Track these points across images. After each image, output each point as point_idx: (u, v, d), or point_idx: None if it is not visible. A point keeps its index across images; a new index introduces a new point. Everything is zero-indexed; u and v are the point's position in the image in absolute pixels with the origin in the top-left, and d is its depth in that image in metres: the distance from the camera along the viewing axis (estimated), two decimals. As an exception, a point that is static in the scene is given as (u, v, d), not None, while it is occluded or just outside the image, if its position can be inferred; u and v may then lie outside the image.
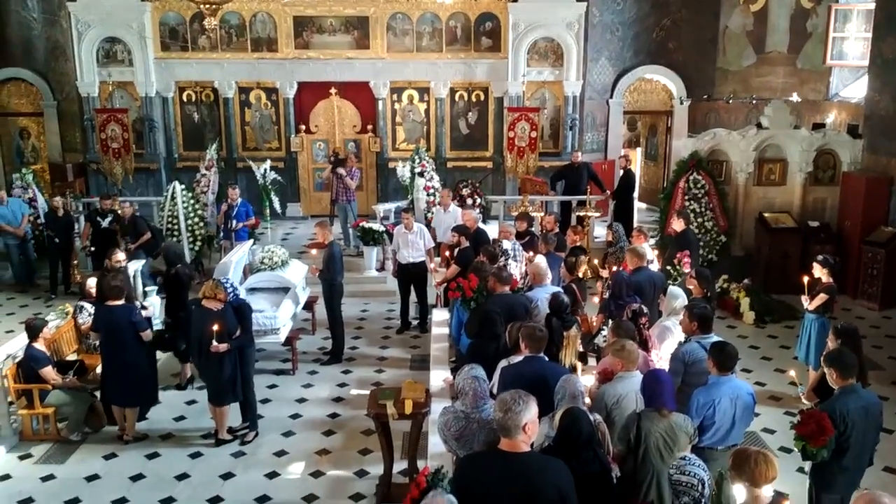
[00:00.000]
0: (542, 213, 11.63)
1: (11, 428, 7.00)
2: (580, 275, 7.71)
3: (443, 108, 14.51)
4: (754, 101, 14.21)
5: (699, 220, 11.01)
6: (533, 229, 9.77)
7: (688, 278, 7.32)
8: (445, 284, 8.53)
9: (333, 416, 7.56)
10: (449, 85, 14.41)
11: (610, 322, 6.16)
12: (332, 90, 14.30)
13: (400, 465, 6.23)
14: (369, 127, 14.57)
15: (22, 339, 7.14)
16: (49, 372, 6.96)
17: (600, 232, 12.17)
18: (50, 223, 11.32)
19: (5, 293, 11.55)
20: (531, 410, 3.59)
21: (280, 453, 6.83)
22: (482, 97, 14.59)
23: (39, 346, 7.02)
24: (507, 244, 8.27)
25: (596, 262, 9.17)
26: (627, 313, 6.14)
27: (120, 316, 6.81)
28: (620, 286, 6.96)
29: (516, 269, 7.92)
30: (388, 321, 10.28)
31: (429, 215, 11.81)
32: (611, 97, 14.99)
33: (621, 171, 13.25)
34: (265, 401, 7.70)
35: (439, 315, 8.63)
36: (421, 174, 12.29)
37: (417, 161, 12.42)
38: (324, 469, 6.57)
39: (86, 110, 14.14)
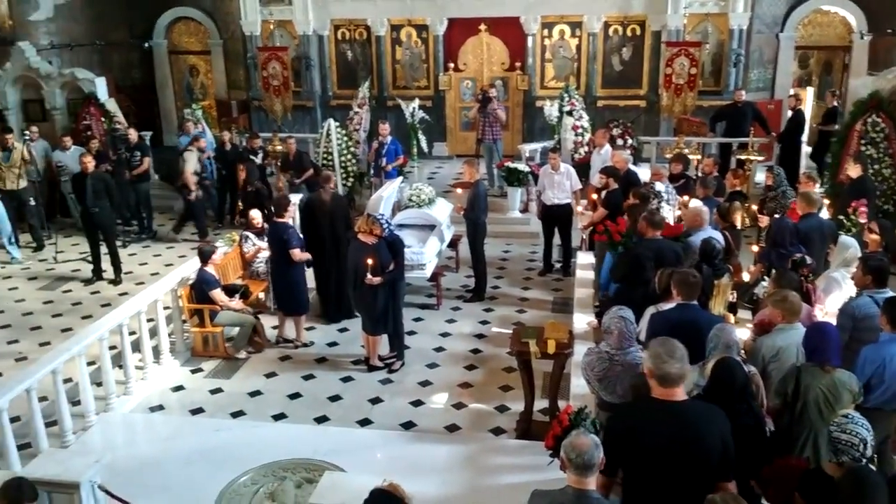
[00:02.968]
0: (700, 156, 11.06)
1: (185, 344, 7.70)
2: (736, 222, 7.30)
3: (595, 44, 13.98)
4: (948, 36, 12.62)
5: (876, 166, 10.02)
6: (688, 172, 9.31)
7: (866, 230, 6.72)
8: (591, 227, 8.38)
9: (475, 351, 7.72)
10: (603, 19, 13.83)
11: (773, 272, 5.82)
12: (482, 26, 14.15)
13: (540, 404, 6.29)
14: (517, 64, 14.32)
15: (194, 263, 7.76)
16: (218, 294, 7.55)
17: (762, 177, 11.43)
18: (218, 156, 12.03)
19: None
20: (687, 358, 3.51)
21: (424, 383, 7.09)
22: (638, 31, 13.90)
23: (210, 269, 7.61)
24: (659, 186, 7.94)
25: (754, 208, 8.64)
26: (790, 263, 5.76)
27: (278, 231, 7.57)
28: (784, 234, 6.53)
29: (669, 213, 7.60)
30: (531, 263, 10.26)
31: (576, 156, 11.55)
32: (781, 31, 13.82)
33: (790, 112, 12.28)
34: (411, 333, 7.96)
35: (584, 258, 8.51)
36: (569, 113, 11.98)
37: (566, 99, 12.11)
38: (465, 402, 6.75)
39: (249, 49, 14.85)
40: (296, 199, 10.35)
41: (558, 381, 6.08)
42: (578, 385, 5.41)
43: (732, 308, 6.17)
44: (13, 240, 10.69)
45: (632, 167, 9.29)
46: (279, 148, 11.83)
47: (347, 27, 14.82)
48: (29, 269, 10.40)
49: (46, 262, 10.58)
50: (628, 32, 13.96)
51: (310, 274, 8.10)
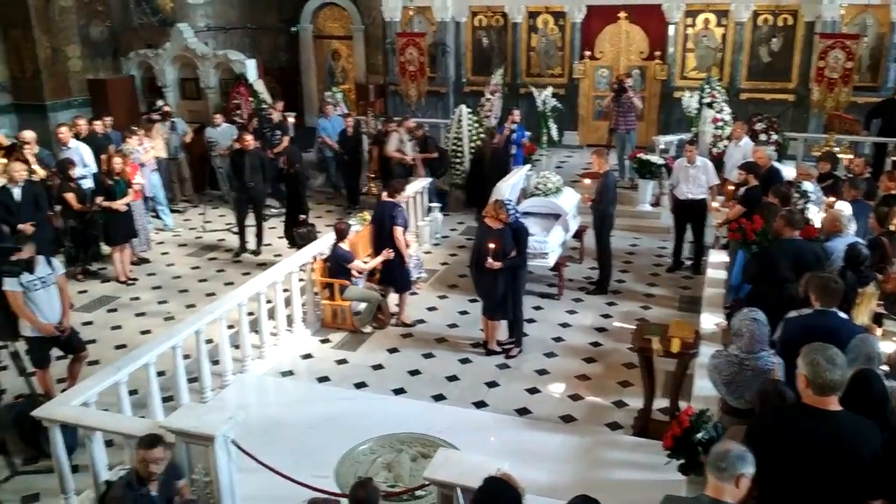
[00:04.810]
0: (851, 155, 10.34)
1: (315, 315, 8.07)
2: (892, 227, 6.77)
3: (742, 34, 13.32)
4: None
5: None
6: (837, 172, 8.72)
7: None
8: (727, 225, 8.04)
9: (595, 344, 7.63)
10: (752, 7, 13.14)
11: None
12: (621, 14, 13.82)
13: (659, 403, 6.16)
14: (657, 53, 13.89)
15: (328, 239, 8.11)
16: (357, 264, 7.92)
17: (921, 181, 10.54)
18: (341, 141, 12.32)
19: (314, 199, 13.10)
20: (846, 365, 3.35)
21: (541, 371, 7.09)
22: (790, 21, 13.13)
23: (344, 246, 7.94)
24: (808, 186, 7.49)
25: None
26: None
27: (384, 209, 7.87)
28: (943, 243, 6.01)
29: (817, 216, 7.16)
30: (659, 258, 9.99)
31: (715, 150, 11.09)
32: (950, 23, 12.63)
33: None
34: (530, 321, 7.97)
35: (716, 257, 8.18)
36: (710, 105, 11.49)
37: (707, 91, 11.63)
38: (582, 394, 6.69)
39: (388, 34, 15.22)
40: (423, 182, 10.66)
41: (680, 382, 5.91)
42: (702, 387, 5.23)
43: (878, 319, 5.76)
44: (166, 208, 11.56)
45: (775, 164, 8.81)
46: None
47: (485, 14, 14.89)
48: (180, 236, 11.23)
49: (195, 231, 11.39)
50: (779, 22, 13.21)
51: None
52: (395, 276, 8.05)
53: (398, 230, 7.85)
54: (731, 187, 8.56)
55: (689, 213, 9.19)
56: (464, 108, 12.08)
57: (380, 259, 7.90)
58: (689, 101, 12.04)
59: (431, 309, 8.51)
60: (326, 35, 17.31)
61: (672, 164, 9.96)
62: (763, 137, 11.27)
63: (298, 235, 9.63)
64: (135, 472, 4.07)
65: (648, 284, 9.16)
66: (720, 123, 11.38)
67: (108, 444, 5.12)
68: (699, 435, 4.21)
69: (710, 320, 6.58)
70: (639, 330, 6.23)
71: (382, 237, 7.92)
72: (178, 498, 4.11)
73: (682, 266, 9.52)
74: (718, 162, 10.17)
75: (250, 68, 13.53)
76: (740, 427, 3.98)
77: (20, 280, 5.88)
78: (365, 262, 8.03)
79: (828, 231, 6.42)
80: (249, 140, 10.13)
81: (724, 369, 4.36)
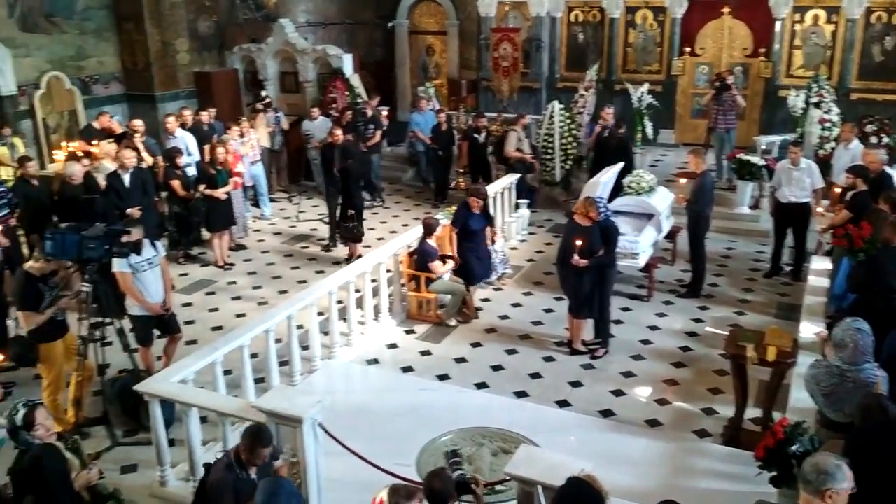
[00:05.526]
0: (971, 161, 9.65)
1: (402, 306, 8.19)
2: None
3: (854, 31, 12.60)
4: None
5: None
6: (956, 179, 8.16)
7: None
8: (832, 231, 7.66)
9: (685, 349, 7.42)
10: (865, 4, 12.42)
11: None
12: (725, 9, 13.35)
13: (751, 413, 5.94)
14: (761, 50, 13.34)
15: (417, 232, 8.21)
16: (436, 266, 7.95)
17: None
18: (434, 135, 12.38)
19: (405, 192, 13.30)
20: None
21: (627, 374, 6.95)
22: (907, 18, 12.37)
23: (431, 242, 8.02)
24: (920, 192, 7.05)
25: None
26: None
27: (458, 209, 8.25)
28: None
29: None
30: (756, 263, 9.62)
31: (821, 151, 10.57)
32: None
33: None
34: (618, 322, 7.82)
35: (819, 263, 7.80)
36: (817, 105, 10.96)
37: (815, 90, 11.09)
38: (669, 399, 6.53)
39: (482, 30, 15.20)
40: (512, 178, 10.61)
41: (775, 391, 5.69)
42: (798, 398, 5.01)
43: None
44: (266, 197, 11.94)
45: (887, 169, 8.32)
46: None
47: (581, 9, 14.67)
48: (275, 224, 11.60)
49: (290, 220, 11.74)
50: (894, 20, 12.44)
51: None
52: (466, 270, 8.19)
53: (451, 230, 8.14)
54: (838, 191, 8.15)
55: (791, 217, 8.82)
56: (556, 105, 11.94)
57: (450, 264, 8.06)
58: (795, 100, 11.51)
59: (516, 305, 8.48)
60: (422, 30, 17.47)
61: (773, 166, 9.58)
62: (874, 140, 10.64)
63: (345, 229, 9.80)
64: (235, 454, 4.09)
65: (744, 290, 8.83)
66: (827, 124, 10.85)
67: (203, 420, 5.35)
68: (794, 447, 4.05)
69: (810, 329, 6.28)
70: (732, 336, 6.03)
71: (459, 237, 8.14)
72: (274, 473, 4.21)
73: (781, 272, 9.15)
74: (824, 164, 9.70)
75: (347, 63, 13.79)
76: (837, 441, 3.81)
77: (129, 261, 6.21)
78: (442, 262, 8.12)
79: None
80: (338, 134, 10.30)
81: (823, 380, 4.16)
